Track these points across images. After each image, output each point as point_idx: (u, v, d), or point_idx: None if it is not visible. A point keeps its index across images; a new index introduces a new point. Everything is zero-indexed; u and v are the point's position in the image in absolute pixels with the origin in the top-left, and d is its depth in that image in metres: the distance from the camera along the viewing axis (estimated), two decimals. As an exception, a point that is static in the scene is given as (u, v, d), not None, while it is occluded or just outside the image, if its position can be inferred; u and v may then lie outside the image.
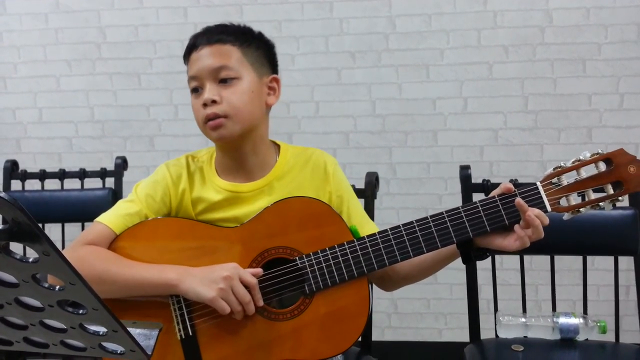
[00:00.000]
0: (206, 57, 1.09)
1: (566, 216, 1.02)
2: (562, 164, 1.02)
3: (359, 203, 1.24)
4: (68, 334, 0.60)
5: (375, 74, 2.30)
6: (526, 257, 1.53)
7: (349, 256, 1.03)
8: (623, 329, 1.50)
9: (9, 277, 0.53)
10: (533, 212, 0.97)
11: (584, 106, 2.23)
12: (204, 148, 1.22)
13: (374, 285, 1.43)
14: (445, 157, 2.30)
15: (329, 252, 1.03)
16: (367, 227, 1.18)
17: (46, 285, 0.53)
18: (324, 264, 1.03)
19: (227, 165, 1.16)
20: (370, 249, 1.03)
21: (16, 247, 0.51)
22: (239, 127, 1.09)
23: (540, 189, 1.01)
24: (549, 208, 1.00)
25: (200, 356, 1.04)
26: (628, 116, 2.22)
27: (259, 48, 1.14)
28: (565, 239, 1.41)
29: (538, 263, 2.09)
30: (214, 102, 1.07)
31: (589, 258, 1.51)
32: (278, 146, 1.21)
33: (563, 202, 1.02)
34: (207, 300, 0.98)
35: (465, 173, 1.51)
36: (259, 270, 1.03)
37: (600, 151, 1.02)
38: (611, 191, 1.00)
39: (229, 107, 1.07)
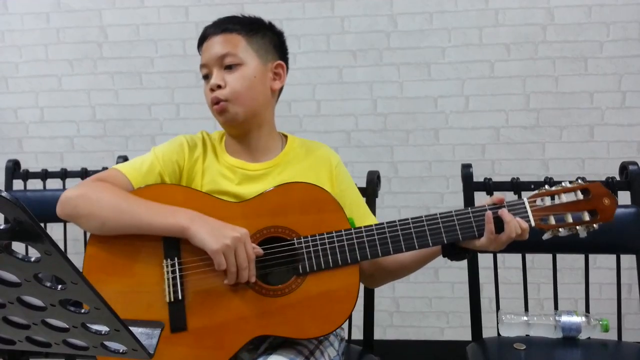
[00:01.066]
0: (214, 45, 1.17)
1: (546, 235, 1.10)
2: (546, 187, 1.11)
3: (362, 198, 1.28)
4: (70, 333, 0.60)
5: (377, 72, 2.29)
6: (528, 256, 1.53)
7: (345, 243, 1.07)
8: (625, 328, 1.50)
9: (11, 277, 0.53)
10: (514, 219, 1.06)
11: (585, 104, 2.23)
12: (216, 131, 1.27)
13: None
14: (446, 155, 2.30)
15: (326, 236, 1.08)
16: (368, 221, 1.21)
17: (48, 284, 0.54)
18: (319, 247, 1.07)
19: (235, 146, 1.22)
20: (365, 239, 1.08)
21: (18, 247, 0.51)
22: (242, 109, 1.16)
23: (527, 205, 1.09)
24: (533, 223, 1.08)
25: (185, 321, 1.04)
26: (630, 114, 2.21)
27: (265, 36, 1.20)
28: (567, 237, 1.40)
29: (540, 261, 2.09)
30: (219, 87, 1.15)
31: (591, 256, 1.51)
32: (285, 137, 1.27)
33: (545, 218, 1.10)
34: (209, 250, 1.01)
35: (466, 171, 1.51)
36: (260, 250, 1.06)
37: (580, 181, 1.11)
38: (587, 218, 1.09)
39: (231, 91, 1.15)
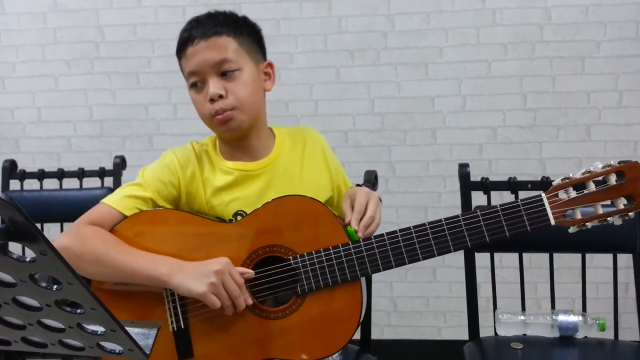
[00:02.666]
0: (204, 51, 1.08)
1: (572, 229, 1.00)
2: (571, 175, 0.98)
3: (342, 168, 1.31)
4: (66, 333, 0.60)
5: (374, 72, 2.29)
6: (525, 255, 1.53)
7: (344, 259, 1.02)
8: (622, 327, 1.50)
9: (7, 277, 0.53)
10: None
11: (582, 104, 2.23)
12: (206, 137, 1.23)
13: (373, 285, 1.44)
14: (444, 155, 2.30)
15: (323, 253, 1.03)
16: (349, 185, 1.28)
17: (44, 284, 0.53)
18: (317, 266, 1.03)
19: (232, 150, 1.17)
20: (365, 254, 1.02)
21: (14, 247, 0.51)
22: (247, 117, 1.11)
23: (545, 200, 0.98)
24: (552, 221, 0.98)
25: (191, 349, 1.05)
26: (627, 113, 2.21)
27: (250, 34, 1.14)
28: (564, 236, 1.41)
29: (537, 261, 2.08)
30: (220, 96, 1.08)
31: (588, 256, 1.51)
32: (270, 128, 1.24)
33: (569, 212, 0.99)
34: (197, 295, 0.99)
35: (464, 171, 1.51)
36: (250, 272, 1.03)
37: (612, 163, 0.97)
38: (621, 205, 0.96)
39: (235, 100, 1.08)
